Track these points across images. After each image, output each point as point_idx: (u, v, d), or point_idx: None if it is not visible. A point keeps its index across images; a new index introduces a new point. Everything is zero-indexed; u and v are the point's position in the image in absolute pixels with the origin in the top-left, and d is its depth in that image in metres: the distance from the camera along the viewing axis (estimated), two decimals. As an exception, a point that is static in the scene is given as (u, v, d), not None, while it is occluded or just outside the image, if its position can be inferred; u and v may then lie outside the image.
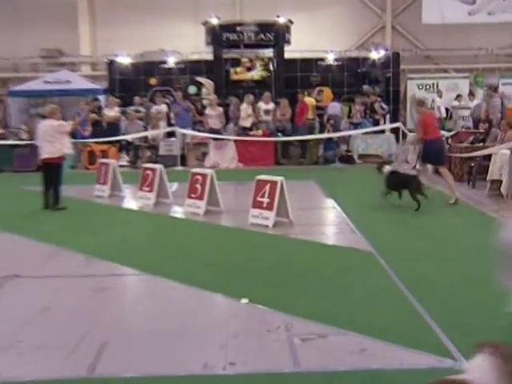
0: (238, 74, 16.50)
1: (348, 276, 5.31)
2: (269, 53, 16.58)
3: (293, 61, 16.51)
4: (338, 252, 6.27)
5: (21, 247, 6.68)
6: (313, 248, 6.39)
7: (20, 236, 7.12)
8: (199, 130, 14.91)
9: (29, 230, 7.47)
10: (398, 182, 8.38)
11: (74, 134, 13.84)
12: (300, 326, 4.12)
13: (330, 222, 8.00)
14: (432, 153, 8.80)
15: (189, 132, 14.60)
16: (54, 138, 8.66)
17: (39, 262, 5.96)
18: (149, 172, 9.26)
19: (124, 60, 17.03)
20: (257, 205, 7.37)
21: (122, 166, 12.66)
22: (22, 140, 14.35)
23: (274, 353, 3.73)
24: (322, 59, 16.88)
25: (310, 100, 14.96)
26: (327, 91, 16.25)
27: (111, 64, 17.18)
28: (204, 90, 16.62)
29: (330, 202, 9.10)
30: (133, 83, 16.93)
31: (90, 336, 4.03)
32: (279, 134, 14.47)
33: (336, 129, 14.60)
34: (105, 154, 13.84)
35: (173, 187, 9.89)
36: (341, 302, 4.64)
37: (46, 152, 8.66)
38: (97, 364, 3.60)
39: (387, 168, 8.58)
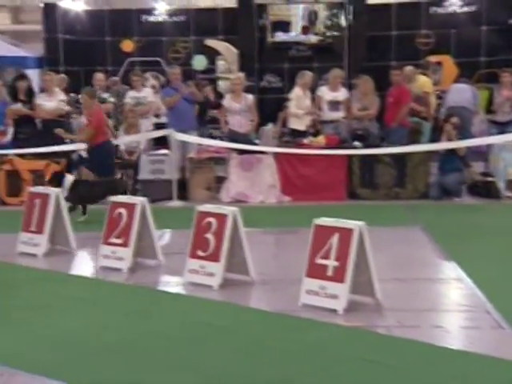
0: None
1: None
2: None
3: (383, 7, 16.76)
4: (470, 363, 6.18)
5: None
6: (419, 354, 6.36)
7: None
8: (212, 136, 15.16)
9: None
10: None
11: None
12: None
13: (453, 307, 7.99)
14: None
15: (193, 139, 14.94)
16: None
17: None
18: (121, 210, 9.39)
19: (74, 5, 17.55)
20: (315, 272, 7.45)
21: (71, 200, 12.99)
22: None
23: None
24: (438, 3, 17.12)
25: (419, 81, 15.11)
26: (448, 64, 16.34)
27: (50, 12, 17.70)
28: (220, 64, 16.99)
29: (453, 269, 9.12)
30: (92, 49, 17.46)
31: None
32: (356, 142, 14.65)
33: (463, 133, 14.70)
34: (39, 177, 14.16)
35: (163, 238, 10.06)
36: None
37: None
38: None
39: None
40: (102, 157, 12.85)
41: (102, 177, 12.58)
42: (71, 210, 11.59)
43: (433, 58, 16.27)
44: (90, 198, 12.29)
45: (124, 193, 11.32)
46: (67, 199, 11.40)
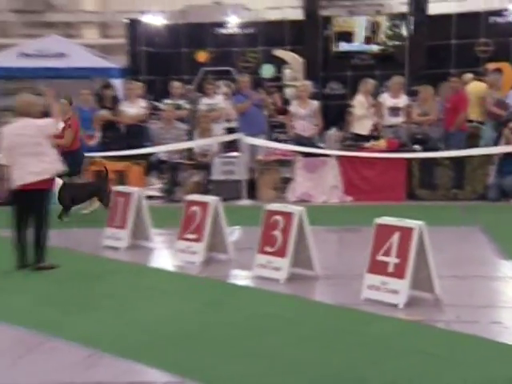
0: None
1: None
2: (401, 5, 16.66)
3: (443, 18, 16.49)
4: None
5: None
6: (479, 349, 6.21)
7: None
8: (279, 140, 15.10)
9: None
10: None
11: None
12: None
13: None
14: None
15: (262, 142, 14.91)
16: (40, 148, 8.94)
17: (6, 362, 6.09)
18: (196, 209, 9.44)
19: (154, 20, 17.66)
20: (377, 268, 7.37)
21: (151, 198, 13.02)
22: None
23: None
24: (497, 12, 16.77)
25: (475, 87, 14.85)
26: (507, 70, 16.00)
27: (133, 27, 17.87)
28: (287, 72, 16.94)
29: (511, 268, 8.91)
30: (169, 60, 17.55)
31: None
32: (416, 146, 14.44)
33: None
34: (122, 178, 14.35)
35: (234, 234, 10.03)
36: None
37: (28, 172, 8.86)
38: None
39: None
40: (75, 161, 12.75)
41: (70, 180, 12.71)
42: (65, 211, 12.23)
43: (492, 66, 15.95)
44: (78, 200, 12.59)
45: (105, 194, 11.98)
46: (59, 202, 12.06)
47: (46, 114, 9.38)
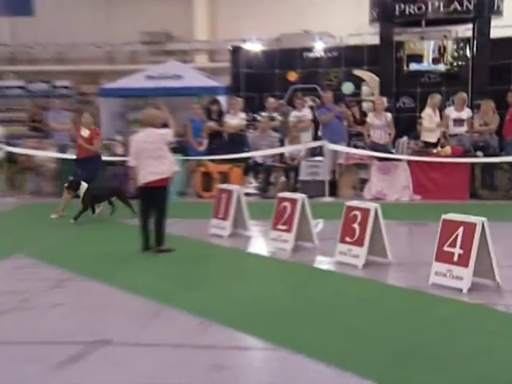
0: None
1: None
2: (466, 30, 16.30)
3: (505, 41, 16.03)
4: None
5: (112, 302, 7.11)
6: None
7: (112, 287, 7.59)
8: (357, 146, 14.99)
9: (123, 278, 7.96)
10: None
11: (184, 149, 14.66)
12: None
13: None
14: None
15: (342, 148, 14.78)
16: (160, 152, 9.16)
17: (136, 325, 6.28)
18: (286, 204, 9.44)
19: (253, 47, 17.75)
20: (443, 257, 7.24)
21: (248, 195, 13.06)
22: (116, 155, 15.32)
23: None
24: None
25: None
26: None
27: (236, 52, 17.98)
28: (365, 89, 16.81)
29: None
30: (265, 79, 17.59)
31: None
32: (478, 152, 14.11)
33: None
34: (225, 177, 14.39)
35: (318, 226, 10.00)
36: None
37: (150, 172, 9.10)
38: None
39: None
40: (95, 167, 12.69)
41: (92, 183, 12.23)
42: (84, 210, 11.66)
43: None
44: (100, 200, 12.07)
45: (124, 195, 11.74)
46: (81, 202, 11.63)
47: (164, 124, 9.52)
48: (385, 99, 15.15)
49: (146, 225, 9.28)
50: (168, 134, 9.36)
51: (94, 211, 11.84)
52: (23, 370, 5.29)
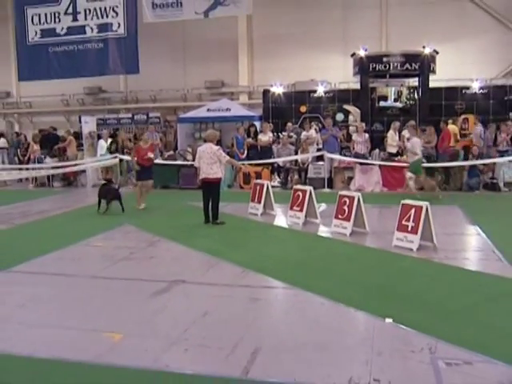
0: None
1: (494, 304, 4.97)
2: (414, 82, 16.15)
3: (437, 89, 15.84)
4: (483, 279, 5.86)
5: (186, 256, 7.19)
6: (456, 273, 6.06)
7: (185, 246, 7.67)
8: (346, 155, 14.90)
9: (192, 241, 8.02)
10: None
11: (232, 157, 14.68)
12: (444, 350, 3.97)
13: (475, 249, 7.48)
14: None
15: (336, 157, 14.65)
16: (212, 160, 9.19)
17: (201, 271, 6.38)
18: (299, 193, 9.44)
19: (277, 89, 17.63)
20: (402, 228, 7.21)
21: (273, 187, 13.03)
22: (188, 160, 15.44)
23: (419, 374, 3.64)
24: (467, 87, 16.00)
25: (452, 128, 14.31)
26: (472, 119, 15.27)
27: (266, 93, 17.86)
28: (351, 117, 16.64)
29: (475, 229, 8.53)
30: (285, 110, 17.45)
31: (244, 341, 4.23)
32: (424, 160, 13.82)
33: (480, 156, 13.72)
34: (258, 175, 14.38)
35: (320, 208, 9.98)
36: (487, 330, 4.37)
37: (205, 172, 9.20)
38: (250, 367, 3.78)
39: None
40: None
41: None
42: (99, 204, 10.55)
43: (463, 116, 15.41)
44: (112, 197, 10.47)
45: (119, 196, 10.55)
46: (98, 196, 10.59)
47: (218, 141, 9.56)
48: (364, 124, 15.01)
49: (207, 206, 9.32)
50: (219, 149, 9.42)
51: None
52: (129, 298, 5.43)
